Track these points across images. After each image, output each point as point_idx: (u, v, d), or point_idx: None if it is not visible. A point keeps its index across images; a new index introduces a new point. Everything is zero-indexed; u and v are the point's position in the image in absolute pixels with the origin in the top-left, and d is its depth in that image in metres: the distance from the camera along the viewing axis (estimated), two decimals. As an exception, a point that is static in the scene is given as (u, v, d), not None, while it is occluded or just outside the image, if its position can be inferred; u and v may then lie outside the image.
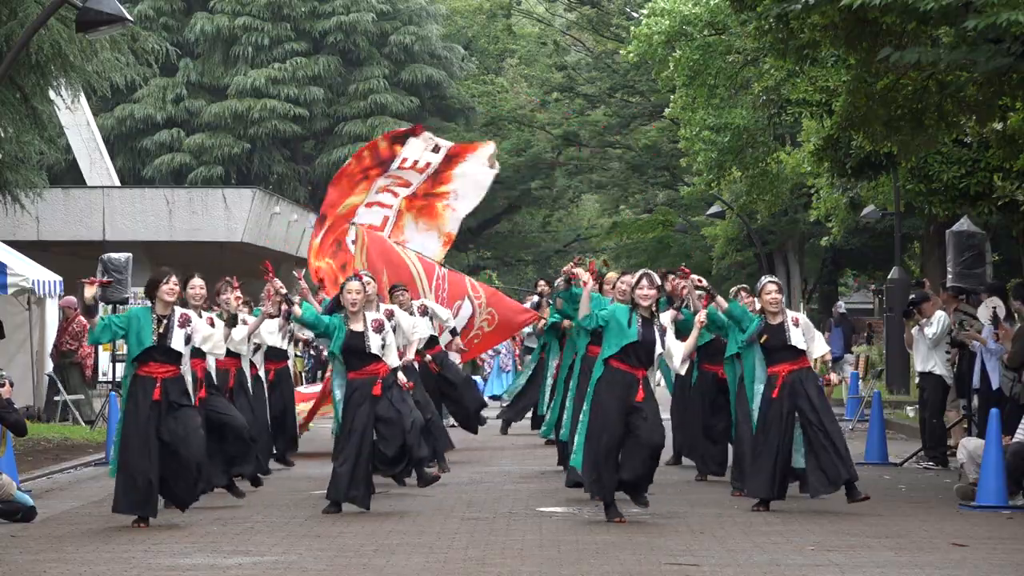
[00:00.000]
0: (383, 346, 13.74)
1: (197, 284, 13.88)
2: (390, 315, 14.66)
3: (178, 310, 13.04)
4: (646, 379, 13.01)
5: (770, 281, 14.27)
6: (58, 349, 24.61)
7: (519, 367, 29.19)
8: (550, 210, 59.42)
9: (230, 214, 36.29)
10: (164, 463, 12.80)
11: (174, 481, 12.89)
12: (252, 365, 16.59)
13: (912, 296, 20.24)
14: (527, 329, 26.20)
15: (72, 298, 23.96)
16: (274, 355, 17.64)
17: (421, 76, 49.88)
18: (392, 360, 13.82)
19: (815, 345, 14.12)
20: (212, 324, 13.52)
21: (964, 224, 18.90)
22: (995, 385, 17.01)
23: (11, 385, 13.79)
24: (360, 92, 49.23)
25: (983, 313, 17.58)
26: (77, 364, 24.56)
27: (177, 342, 12.91)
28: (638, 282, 13.15)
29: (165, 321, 12.92)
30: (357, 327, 13.71)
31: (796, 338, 13.93)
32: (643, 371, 13.01)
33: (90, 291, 13.34)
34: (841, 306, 37.00)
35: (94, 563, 10.84)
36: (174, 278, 13.09)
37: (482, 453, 20.08)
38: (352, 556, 11.07)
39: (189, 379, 13.11)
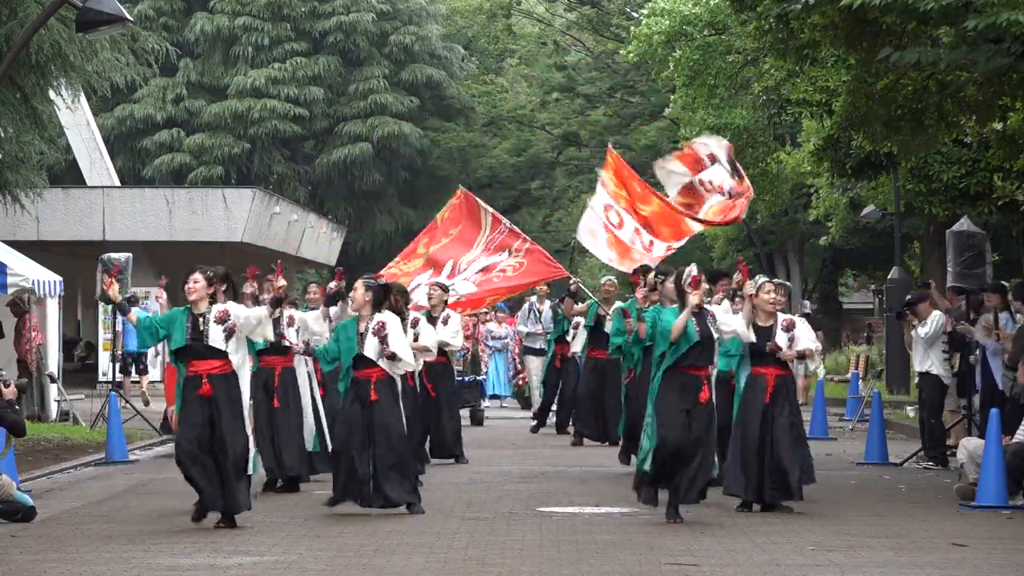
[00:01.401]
0: (379, 353, 13.43)
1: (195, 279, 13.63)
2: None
3: (216, 307, 12.78)
4: (708, 378, 13.09)
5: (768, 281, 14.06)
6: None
7: (518, 367, 29.19)
8: (550, 210, 59.44)
9: (230, 214, 36.32)
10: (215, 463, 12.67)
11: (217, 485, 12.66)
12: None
13: (908, 297, 20.25)
14: (525, 329, 26.20)
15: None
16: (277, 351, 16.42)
17: (421, 76, 49.90)
18: (393, 369, 13.53)
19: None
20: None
21: (964, 224, 18.90)
22: (1000, 385, 17.02)
23: (19, 389, 13.75)
24: (360, 92, 49.26)
25: (979, 335, 17.55)
26: (21, 360, 24.20)
27: (215, 339, 12.66)
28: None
29: (201, 319, 12.74)
30: (362, 327, 13.54)
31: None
32: (705, 370, 13.09)
33: (112, 290, 13.22)
34: (806, 306, 37.01)
35: (94, 563, 10.84)
36: (195, 275, 12.83)
37: (482, 453, 20.07)
38: (352, 556, 11.07)
39: (243, 378, 12.80)
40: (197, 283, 12.82)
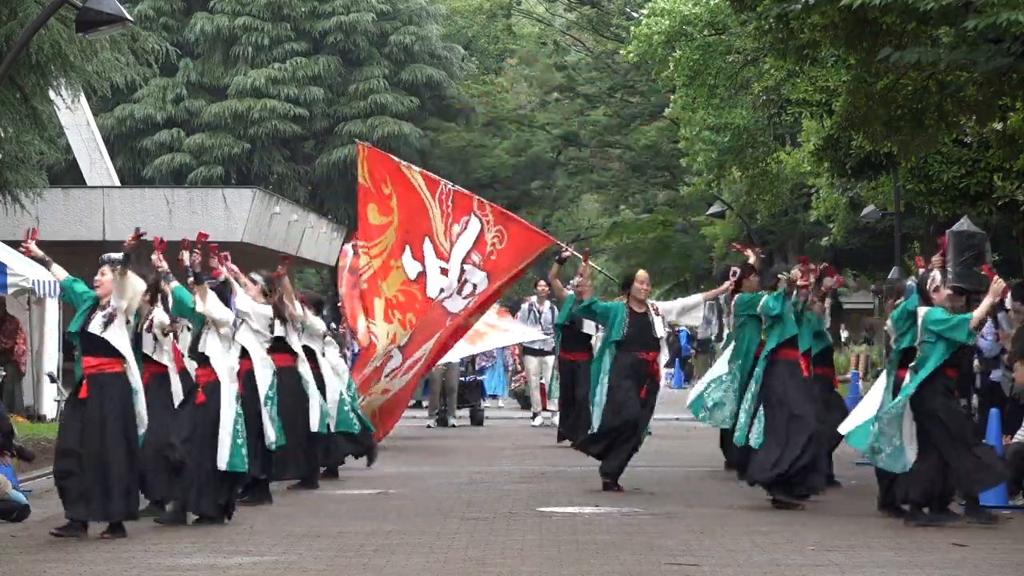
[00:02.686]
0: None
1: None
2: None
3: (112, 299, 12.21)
4: None
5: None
6: None
7: (518, 367, 29.16)
8: (550, 210, 59.45)
9: (230, 214, 36.30)
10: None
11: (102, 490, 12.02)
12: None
13: (907, 296, 20.23)
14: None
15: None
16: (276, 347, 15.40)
17: (421, 76, 49.87)
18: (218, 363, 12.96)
19: None
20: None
21: (964, 224, 18.87)
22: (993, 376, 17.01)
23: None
24: (360, 92, 49.23)
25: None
26: (13, 362, 24.01)
27: (95, 326, 12.18)
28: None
29: (96, 308, 12.28)
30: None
31: None
32: None
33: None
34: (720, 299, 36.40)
35: (94, 563, 10.84)
36: (104, 268, 12.40)
37: (482, 453, 20.08)
38: (352, 556, 11.07)
39: (133, 377, 12.24)
40: (104, 276, 12.33)
